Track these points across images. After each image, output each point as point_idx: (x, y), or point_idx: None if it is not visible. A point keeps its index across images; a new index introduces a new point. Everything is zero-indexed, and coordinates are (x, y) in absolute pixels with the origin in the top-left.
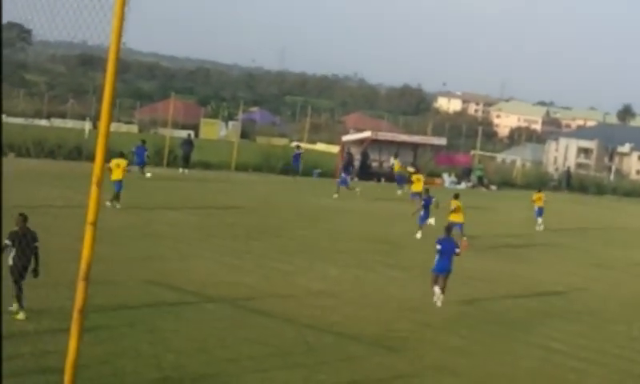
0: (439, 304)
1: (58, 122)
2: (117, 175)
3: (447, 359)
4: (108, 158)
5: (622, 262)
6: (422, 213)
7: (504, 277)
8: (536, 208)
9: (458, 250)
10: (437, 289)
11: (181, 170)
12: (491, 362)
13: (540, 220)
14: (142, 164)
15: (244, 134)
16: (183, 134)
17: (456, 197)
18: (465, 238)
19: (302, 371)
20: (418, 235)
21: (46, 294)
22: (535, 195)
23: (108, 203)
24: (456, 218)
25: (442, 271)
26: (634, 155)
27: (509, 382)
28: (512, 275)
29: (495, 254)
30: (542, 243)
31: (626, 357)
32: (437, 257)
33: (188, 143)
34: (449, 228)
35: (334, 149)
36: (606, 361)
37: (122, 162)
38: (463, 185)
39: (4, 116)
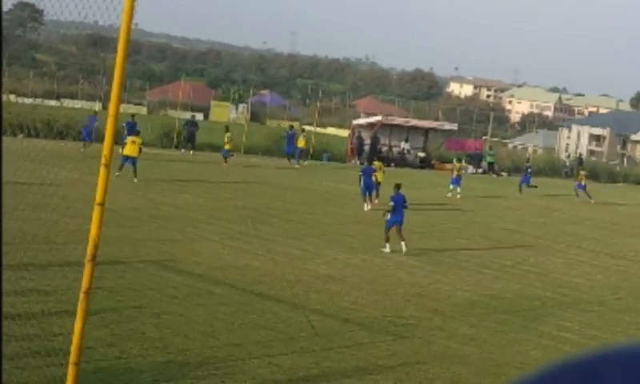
0: (404, 250)
1: (67, 103)
2: (128, 151)
3: (455, 347)
4: (117, 139)
5: (633, 251)
6: (361, 183)
7: (514, 265)
8: (454, 176)
9: (406, 204)
10: (388, 245)
11: (182, 150)
12: (500, 350)
13: (452, 186)
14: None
15: (254, 117)
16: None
17: (378, 160)
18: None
19: (308, 357)
20: (365, 207)
21: (52, 274)
22: (456, 165)
23: (135, 180)
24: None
25: (395, 222)
26: None
27: (518, 371)
28: (522, 264)
29: (505, 241)
30: (554, 232)
31: None
32: (389, 212)
33: (192, 124)
34: (398, 186)
35: (344, 133)
36: None
37: (138, 140)
38: (472, 170)
39: (13, 96)
